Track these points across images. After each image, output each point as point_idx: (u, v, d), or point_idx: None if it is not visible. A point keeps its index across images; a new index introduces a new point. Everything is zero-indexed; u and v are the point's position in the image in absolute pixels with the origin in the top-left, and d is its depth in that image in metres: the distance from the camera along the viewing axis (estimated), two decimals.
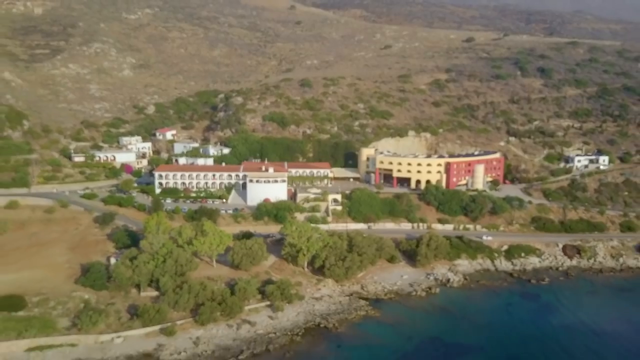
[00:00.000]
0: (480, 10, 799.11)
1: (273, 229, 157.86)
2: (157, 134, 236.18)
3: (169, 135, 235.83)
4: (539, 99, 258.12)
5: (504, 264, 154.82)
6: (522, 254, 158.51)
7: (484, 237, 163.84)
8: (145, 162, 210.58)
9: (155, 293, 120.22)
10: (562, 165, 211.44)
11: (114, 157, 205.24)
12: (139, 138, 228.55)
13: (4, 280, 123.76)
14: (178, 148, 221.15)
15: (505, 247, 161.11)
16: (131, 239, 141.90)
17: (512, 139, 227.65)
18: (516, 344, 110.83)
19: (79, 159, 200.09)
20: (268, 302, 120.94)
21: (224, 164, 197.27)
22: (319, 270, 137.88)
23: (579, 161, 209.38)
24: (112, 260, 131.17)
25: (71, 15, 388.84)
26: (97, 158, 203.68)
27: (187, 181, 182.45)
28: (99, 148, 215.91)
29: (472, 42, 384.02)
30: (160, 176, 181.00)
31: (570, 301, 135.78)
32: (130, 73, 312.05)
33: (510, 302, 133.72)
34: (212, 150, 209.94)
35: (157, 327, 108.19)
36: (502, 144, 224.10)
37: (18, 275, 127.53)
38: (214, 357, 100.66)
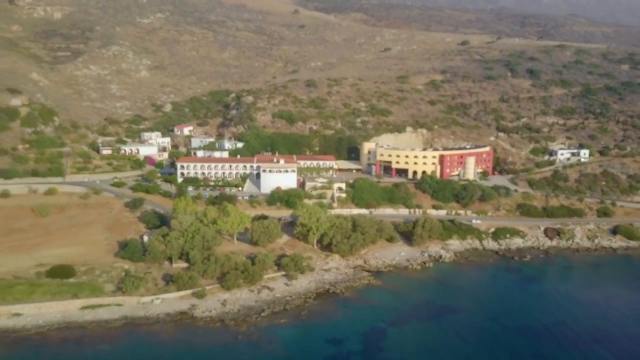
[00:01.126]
0: (476, 13, 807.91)
1: (285, 213, 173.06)
2: (175, 129, 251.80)
3: (186, 131, 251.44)
4: (527, 98, 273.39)
5: (490, 244, 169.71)
6: (507, 236, 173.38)
7: (474, 221, 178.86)
8: (165, 155, 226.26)
9: (185, 264, 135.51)
10: (546, 158, 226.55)
11: (138, 150, 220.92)
12: (159, 133, 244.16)
13: (53, 254, 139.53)
14: (195, 142, 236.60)
15: (492, 230, 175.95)
16: (160, 220, 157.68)
17: (501, 134, 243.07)
18: (498, 307, 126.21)
19: (106, 151, 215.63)
20: (284, 272, 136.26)
21: (238, 156, 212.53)
22: (326, 247, 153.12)
23: (561, 154, 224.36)
24: (145, 238, 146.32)
25: (88, 19, 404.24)
26: (123, 151, 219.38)
27: (206, 171, 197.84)
28: (124, 142, 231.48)
29: (467, 45, 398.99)
30: (182, 167, 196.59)
31: (548, 274, 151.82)
32: (147, 74, 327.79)
33: (494, 274, 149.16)
34: (227, 144, 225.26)
35: (189, 291, 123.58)
36: (491, 139, 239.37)
37: (64, 250, 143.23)
38: (239, 315, 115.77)
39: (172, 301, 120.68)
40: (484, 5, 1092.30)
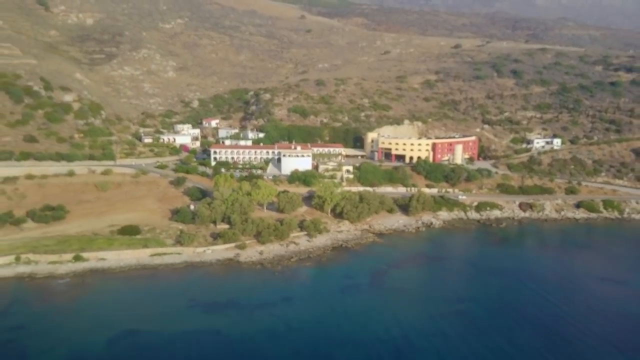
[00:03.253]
0: (471, 17, 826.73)
1: (302, 190, 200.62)
2: (204, 122, 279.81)
3: (213, 123, 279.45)
4: (510, 96, 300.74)
5: (473, 215, 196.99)
6: (488, 208, 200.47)
7: (460, 197, 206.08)
8: (198, 143, 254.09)
9: (226, 226, 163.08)
10: (524, 146, 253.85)
11: (174, 139, 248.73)
12: (189, 126, 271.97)
13: (119, 218, 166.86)
14: (222, 133, 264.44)
15: (475, 204, 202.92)
16: (201, 194, 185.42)
17: (486, 126, 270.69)
18: (476, 257, 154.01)
19: (147, 140, 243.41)
20: (305, 233, 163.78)
21: (261, 144, 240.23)
22: (338, 214, 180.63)
23: (537, 143, 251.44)
24: (192, 207, 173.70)
25: (117, 25, 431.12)
26: (162, 140, 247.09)
27: (235, 156, 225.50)
28: (161, 133, 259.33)
29: (459, 48, 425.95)
30: (215, 152, 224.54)
31: (518, 237, 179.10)
32: (174, 74, 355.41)
33: (475, 236, 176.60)
34: (251, 135, 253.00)
35: (233, 244, 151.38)
36: (477, 130, 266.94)
37: (127, 215, 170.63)
38: (274, 260, 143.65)
39: (220, 251, 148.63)
40: (480, 9, 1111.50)
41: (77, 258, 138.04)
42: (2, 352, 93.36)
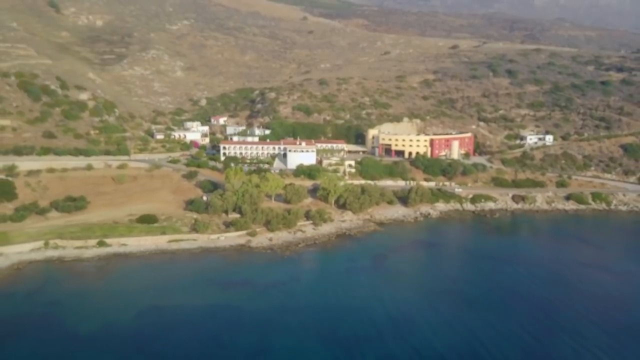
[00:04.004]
0: (469, 18, 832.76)
1: (307, 183, 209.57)
2: (212, 120, 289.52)
3: (221, 121, 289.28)
4: (505, 94, 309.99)
5: (469, 206, 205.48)
6: (482, 200, 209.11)
7: (456, 190, 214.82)
8: (207, 139, 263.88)
9: (237, 215, 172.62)
10: (517, 142, 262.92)
11: (185, 135, 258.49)
12: (198, 123, 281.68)
13: (136, 209, 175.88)
14: (229, 130, 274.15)
15: (470, 196, 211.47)
16: (213, 186, 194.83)
17: (481, 123, 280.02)
18: (470, 244, 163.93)
19: (159, 136, 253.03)
20: (311, 222, 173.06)
21: (268, 140, 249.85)
22: (342, 205, 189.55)
23: (530, 139, 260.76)
24: (204, 198, 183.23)
25: (125, 26, 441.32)
26: (173, 136, 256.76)
27: (243, 151, 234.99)
28: (172, 130, 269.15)
29: (457, 49, 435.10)
30: (224, 147, 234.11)
31: (511, 226, 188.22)
32: (182, 74, 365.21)
33: (470, 226, 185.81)
34: (257, 131, 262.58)
35: (244, 232, 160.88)
36: (473, 127, 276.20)
37: (144, 206, 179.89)
38: (283, 245, 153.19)
39: (232, 238, 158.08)
40: (478, 9, 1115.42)
41: (101, 244, 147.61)
42: (43, 322, 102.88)
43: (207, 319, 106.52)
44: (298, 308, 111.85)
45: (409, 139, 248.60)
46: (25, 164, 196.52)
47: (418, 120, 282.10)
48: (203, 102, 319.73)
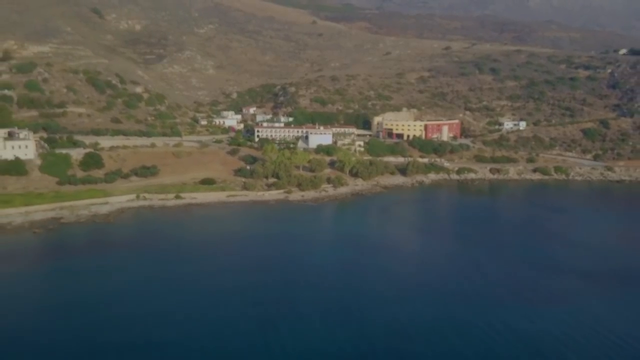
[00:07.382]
0: (463, 21, 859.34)
1: (326, 158, 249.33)
2: (243, 110, 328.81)
3: (251, 110, 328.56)
4: (488, 89, 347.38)
5: (455, 176, 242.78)
6: (466, 172, 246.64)
7: (445, 164, 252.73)
8: (242, 125, 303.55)
9: (276, 180, 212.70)
10: (496, 127, 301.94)
11: (224, 121, 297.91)
12: (232, 112, 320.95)
13: (196, 175, 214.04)
14: (259, 118, 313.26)
15: (456, 169, 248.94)
16: (253, 159, 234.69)
17: (467, 112, 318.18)
18: (455, 201, 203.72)
19: (203, 122, 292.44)
20: (332, 185, 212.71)
21: (292, 125, 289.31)
22: (354, 174, 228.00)
23: (507, 125, 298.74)
24: (248, 167, 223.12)
25: (160, 30, 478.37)
26: (214, 122, 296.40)
27: (272, 134, 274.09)
28: (212, 117, 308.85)
29: (449, 50, 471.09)
30: (258, 131, 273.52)
31: (488, 191, 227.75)
32: (214, 72, 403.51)
33: (455, 190, 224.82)
34: (282, 119, 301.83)
35: (282, 191, 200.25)
36: (460, 115, 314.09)
37: (202, 173, 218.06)
38: (312, 200, 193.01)
39: (274, 194, 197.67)
40: (474, 11, 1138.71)
41: (177, 197, 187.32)
42: (154, 237, 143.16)
43: (271, 238, 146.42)
44: (327, 232, 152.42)
45: (407, 124, 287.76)
46: (104, 142, 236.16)
47: (415, 110, 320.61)
48: (234, 95, 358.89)
